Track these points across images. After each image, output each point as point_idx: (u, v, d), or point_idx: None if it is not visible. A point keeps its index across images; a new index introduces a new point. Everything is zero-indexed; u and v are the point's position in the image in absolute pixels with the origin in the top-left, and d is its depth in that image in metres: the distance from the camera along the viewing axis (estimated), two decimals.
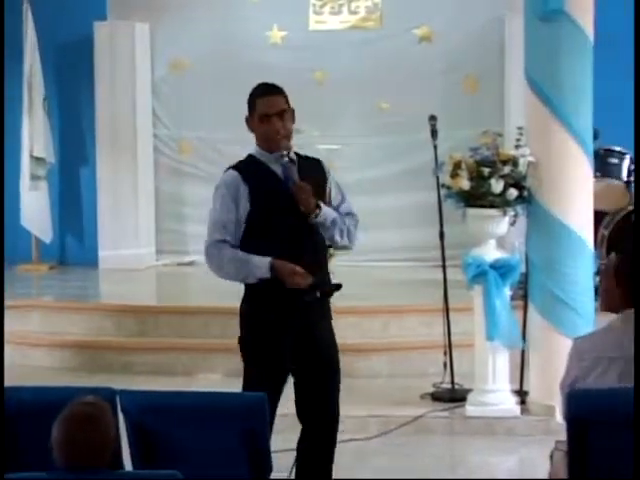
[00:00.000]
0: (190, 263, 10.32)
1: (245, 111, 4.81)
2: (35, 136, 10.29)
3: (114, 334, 8.21)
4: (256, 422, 3.95)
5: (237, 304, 4.76)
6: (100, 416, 3.04)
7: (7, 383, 4.56)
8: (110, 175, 10.33)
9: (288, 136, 4.77)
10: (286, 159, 4.74)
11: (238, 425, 3.94)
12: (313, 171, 4.87)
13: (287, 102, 4.79)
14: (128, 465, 3.90)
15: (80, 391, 3.89)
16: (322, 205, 4.73)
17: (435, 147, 7.01)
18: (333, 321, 4.88)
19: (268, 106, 4.74)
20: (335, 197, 4.90)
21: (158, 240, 10.50)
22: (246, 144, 4.98)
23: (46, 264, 10.45)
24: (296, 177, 4.72)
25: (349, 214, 4.90)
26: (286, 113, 4.76)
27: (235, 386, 4.78)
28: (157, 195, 10.51)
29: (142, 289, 9.78)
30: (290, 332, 4.71)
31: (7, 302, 8.55)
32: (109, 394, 3.85)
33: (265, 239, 4.70)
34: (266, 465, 4.03)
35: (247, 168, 4.79)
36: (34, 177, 10.32)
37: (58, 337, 8.17)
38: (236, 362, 4.82)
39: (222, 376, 7.34)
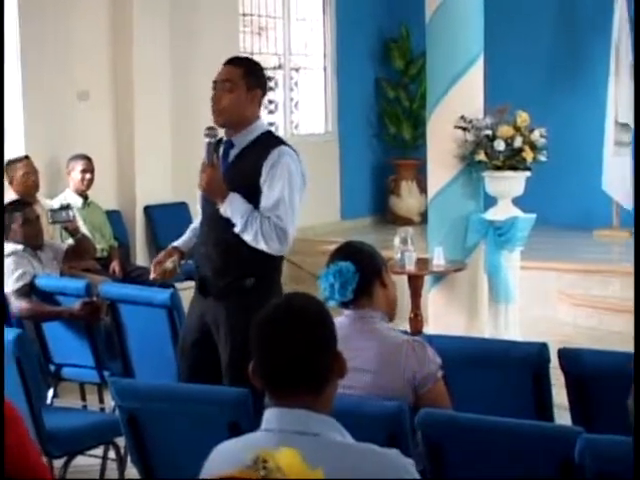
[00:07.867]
0: None
1: None
2: (620, 102, 10.33)
3: None
4: None
5: None
6: None
7: (590, 346, 4.69)
8: None
9: (223, 112, 4.25)
10: (207, 139, 4.25)
11: None
12: (253, 157, 4.27)
13: (242, 76, 4.26)
14: None
15: None
16: (232, 198, 4.21)
17: None
18: None
19: (218, 73, 4.33)
20: (265, 193, 4.24)
21: None
22: None
23: (626, 230, 10.48)
24: (211, 158, 4.24)
25: (266, 216, 4.22)
26: (232, 86, 4.24)
27: None
28: None
29: None
30: None
31: (589, 267, 8.72)
32: None
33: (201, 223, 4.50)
34: None
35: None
36: (618, 143, 10.37)
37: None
38: None
39: None
